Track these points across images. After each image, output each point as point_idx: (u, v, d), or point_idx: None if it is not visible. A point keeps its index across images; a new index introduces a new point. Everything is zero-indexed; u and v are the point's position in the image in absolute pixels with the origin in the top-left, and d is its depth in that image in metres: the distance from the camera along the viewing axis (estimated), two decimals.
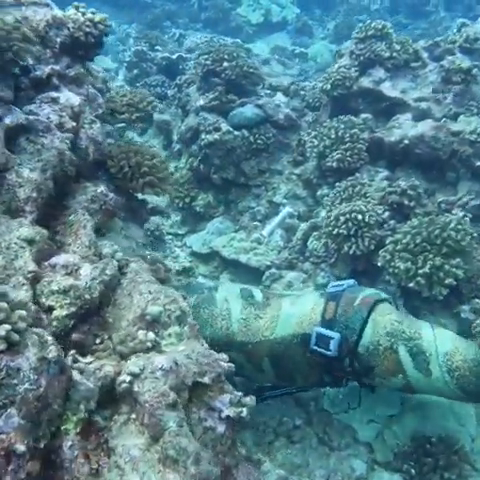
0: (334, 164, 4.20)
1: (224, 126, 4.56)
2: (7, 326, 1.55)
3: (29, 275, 2.03)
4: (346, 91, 4.47)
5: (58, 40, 2.79)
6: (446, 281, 3.48)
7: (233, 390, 2.17)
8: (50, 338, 1.69)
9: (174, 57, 5.99)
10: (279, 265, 4.35)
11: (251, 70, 4.81)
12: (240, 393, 2.21)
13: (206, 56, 4.82)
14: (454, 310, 3.66)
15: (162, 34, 7.69)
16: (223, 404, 2.06)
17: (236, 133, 4.60)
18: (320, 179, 4.42)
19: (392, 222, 3.85)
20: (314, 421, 3.56)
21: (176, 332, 2.12)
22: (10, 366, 1.53)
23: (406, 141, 4.01)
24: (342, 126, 4.26)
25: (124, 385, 1.82)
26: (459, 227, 3.54)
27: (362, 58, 4.49)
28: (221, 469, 2.02)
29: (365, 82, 4.45)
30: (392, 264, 3.58)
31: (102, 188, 2.62)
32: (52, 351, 1.65)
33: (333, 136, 4.25)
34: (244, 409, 2.08)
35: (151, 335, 2.06)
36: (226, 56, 4.79)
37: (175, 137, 5.20)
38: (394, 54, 4.49)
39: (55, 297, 2.02)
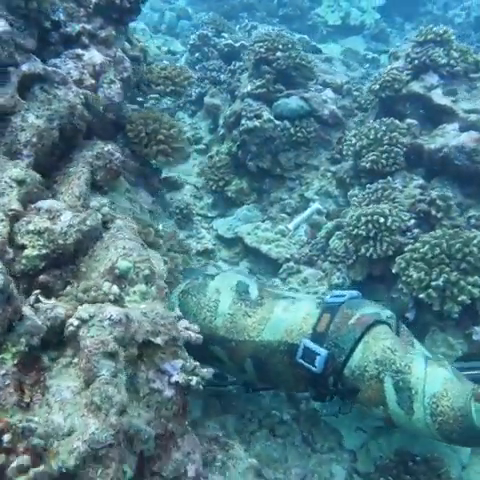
0: (368, 165, 4.08)
1: (266, 114, 4.54)
2: None
3: (10, 212, 2.10)
4: (394, 93, 4.34)
5: (93, 0, 2.86)
6: (459, 298, 3.32)
7: (189, 358, 2.15)
8: (1, 265, 1.73)
9: (237, 45, 6.01)
10: (298, 260, 4.29)
11: (303, 62, 4.75)
12: (197, 363, 2.19)
13: (261, 44, 4.80)
14: (466, 331, 3.48)
15: (236, 24, 7.75)
16: (174, 369, 2.05)
17: (277, 123, 4.56)
18: (353, 179, 4.32)
19: (416, 231, 3.70)
20: (302, 419, 3.48)
21: (141, 291, 2.12)
22: None
23: (445, 150, 3.85)
24: (383, 128, 4.14)
25: (71, 328, 1.85)
26: None
27: (417, 62, 4.34)
28: (161, 433, 2.02)
29: (415, 87, 4.29)
30: (406, 272, 3.45)
31: (110, 147, 2.67)
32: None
33: (372, 137, 4.14)
34: (194, 378, 2.07)
35: (115, 289, 2.07)
36: (280, 46, 4.75)
37: (221, 121, 5.22)
38: (451, 61, 4.31)
39: (29, 237, 2.07)
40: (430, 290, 3.35)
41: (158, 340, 1.99)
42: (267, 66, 4.71)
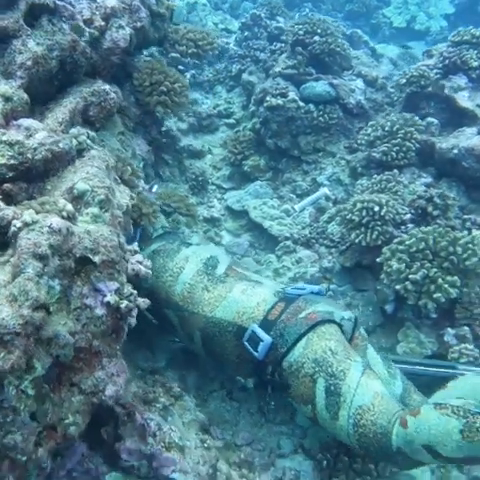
0: (378, 156, 4.08)
1: (291, 94, 4.59)
2: None
3: None
4: (419, 90, 4.30)
5: None
6: (435, 295, 3.30)
7: (128, 285, 2.27)
8: None
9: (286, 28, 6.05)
10: (296, 240, 4.34)
11: (338, 49, 4.77)
12: (134, 291, 2.30)
13: (300, 26, 4.85)
14: (441, 331, 3.47)
15: (297, 12, 7.78)
16: (108, 289, 2.17)
17: (301, 104, 4.60)
18: (364, 169, 4.33)
19: (411, 226, 3.69)
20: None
21: (94, 213, 2.25)
22: None
23: (455, 151, 3.80)
24: (401, 122, 4.12)
25: (13, 229, 1.99)
26: (469, 246, 3.33)
27: (447, 62, 4.29)
28: (85, 346, 2.14)
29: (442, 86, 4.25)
30: (389, 263, 3.46)
31: (107, 86, 2.81)
32: None
33: (387, 128, 4.13)
34: (125, 302, 2.18)
35: (69, 207, 2.21)
36: (319, 30, 4.78)
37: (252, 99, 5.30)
38: None
39: (1, 146, 2.23)
40: (407, 282, 3.35)
41: (96, 258, 2.10)
42: (301, 48, 4.74)
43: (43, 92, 2.67)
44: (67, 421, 2.10)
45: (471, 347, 3.30)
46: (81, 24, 2.67)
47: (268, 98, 4.60)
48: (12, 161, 2.23)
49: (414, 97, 4.41)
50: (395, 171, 3.97)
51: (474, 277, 3.41)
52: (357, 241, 3.69)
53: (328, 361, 2.65)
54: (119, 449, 2.69)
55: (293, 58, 4.73)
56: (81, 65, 2.74)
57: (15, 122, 2.38)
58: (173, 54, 3.83)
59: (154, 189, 3.61)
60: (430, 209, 3.63)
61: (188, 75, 5.78)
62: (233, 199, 4.82)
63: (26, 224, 1.99)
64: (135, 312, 2.27)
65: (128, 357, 3.26)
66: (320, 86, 4.67)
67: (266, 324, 2.86)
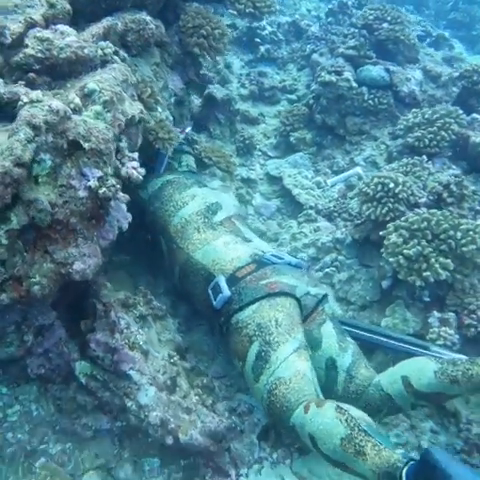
0: (410, 140, 4.14)
1: (347, 74, 4.71)
2: None
3: (29, 20, 2.62)
4: (470, 85, 4.29)
5: None
6: (424, 274, 3.36)
7: (113, 181, 2.52)
8: None
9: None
10: (319, 211, 4.48)
11: (402, 38, 4.83)
12: (118, 186, 2.57)
13: (372, 11, 4.96)
14: (428, 314, 3.51)
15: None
16: (92, 175, 2.46)
17: (354, 85, 4.71)
18: (399, 154, 4.38)
19: (424, 210, 3.73)
20: None
21: (97, 111, 2.54)
22: None
23: None
24: (443, 112, 4.15)
25: (20, 103, 2.32)
26: (470, 233, 3.35)
27: None
28: (61, 219, 2.43)
29: None
30: (389, 236, 3.54)
31: (149, 18, 3.10)
32: None
33: (426, 116, 4.17)
34: (105, 189, 2.46)
35: (77, 100, 2.52)
36: (389, 18, 4.87)
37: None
38: None
39: (33, 40, 2.59)
40: (400, 257, 3.42)
41: (86, 145, 2.40)
42: (367, 32, 4.85)
43: (90, 12, 3.00)
44: (33, 280, 2.41)
45: (451, 332, 3.32)
46: None
47: (323, 74, 4.75)
48: (39, 54, 2.57)
49: (466, 92, 4.40)
50: (423, 157, 4.00)
51: (471, 266, 3.42)
52: (367, 214, 3.78)
53: (270, 330, 2.83)
54: (90, 339, 3.00)
55: (357, 41, 4.84)
56: None
57: (53, 26, 2.72)
58: (231, 11, 4.07)
59: (187, 130, 3.89)
60: (445, 195, 3.66)
61: (262, 49, 6.03)
62: (273, 166, 5.01)
63: (31, 101, 2.32)
64: (115, 204, 2.54)
65: (133, 279, 3.59)
66: (376, 70, 4.76)
67: (232, 279, 3.05)
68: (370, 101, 4.73)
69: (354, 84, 4.71)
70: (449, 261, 3.32)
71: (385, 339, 3.32)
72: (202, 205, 3.44)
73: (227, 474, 3.12)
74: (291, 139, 5.07)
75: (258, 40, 5.98)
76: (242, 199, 4.68)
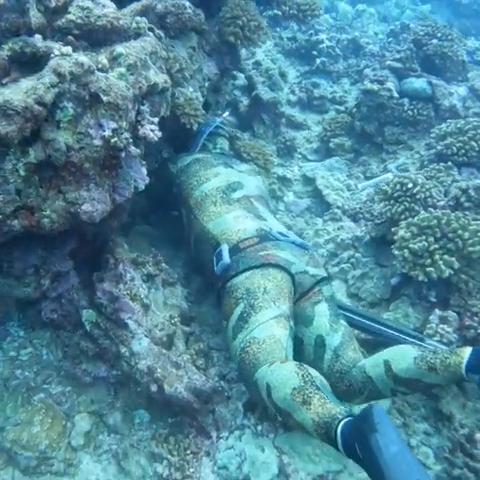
0: (439, 148, 4.19)
1: (389, 84, 4.83)
2: None
3: None
4: None
5: None
6: (427, 269, 3.40)
7: (127, 135, 2.77)
8: None
9: None
10: (345, 211, 4.58)
11: (450, 54, 4.89)
12: (131, 140, 2.81)
13: (423, 27, 5.07)
14: (430, 313, 3.53)
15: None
16: (108, 127, 2.72)
17: (395, 95, 4.82)
18: (430, 163, 4.43)
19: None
20: None
21: (121, 72, 2.82)
22: None
23: None
24: (475, 124, 4.18)
25: (51, 56, 2.62)
26: (479, 234, 3.37)
27: None
28: (77, 164, 2.70)
29: None
30: (399, 231, 3.60)
31: (188, 3, 3.39)
32: None
33: (459, 126, 4.21)
34: (116, 139, 2.72)
35: (105, 61, 2.80)
36: (439, 34, 4.96)
37: None
38: None
39: (75, 8, 2.89)
40: (406, 250, 3.48)
41: (105, 98, 2.67)
42: (416, 46, 4.96)
43: None
44: (44, 213, 2.68)
45: (449, 330, 3.33)
46: None
47: (365, 82, 4.89)
48: (79, 20, 2.89)
49: None
50: (449, 164, 4.05)
51: (478, 268, 3.42)
52: (383, 211, 3.86)
53: (256, 295, 2.99)
54: (97, 287, 3.25)
55: (403, 53, 4.95)
56: None
57: (96, 0, 3.05)
58: (276, 11, 4.31)
59: (225, 115, 4.15)
60: (463, 199, 3.69)
61: (318, 61, 6.24)
62: (309, 167, 5.17)
63: (62, 54, 2.62)
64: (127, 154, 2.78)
65: (152, 249, 3.79)
66: (418, 83, 4.85)
67: (234, 249, 3.25)
68: (409, 112, 4.81)
69: (395, 94, 4.81)
70: (454, 259, 3.34)
71: (382, 327, 3.37)
72: (223, 182, 3.67)
73: (209, 435, 3.26)
74: (331, 144, 5.21)
75: (315, 53, 6.20)
76: (274, 194, 4.85)
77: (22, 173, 2.56)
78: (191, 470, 3.11)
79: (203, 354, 3.44)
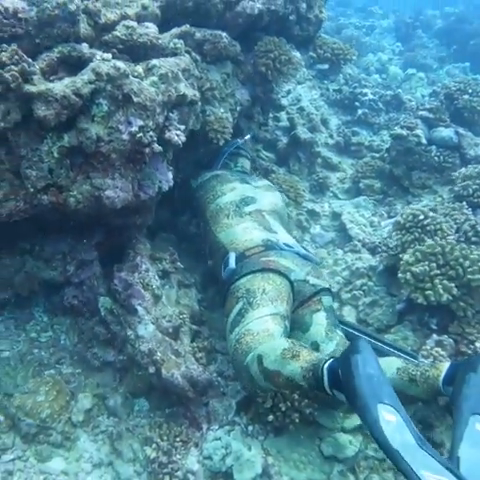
0: (457, 189, 4.35)
1: (419, 131, 5.07)
2: None
3: (123, 13, 3.43)
4: None
5: None
6: (426, 292, 3.52)
7: (152, 134, 3.12)
8: None
9: None
10: (365, 244, 4.75)
11: (478, 108, 5.11)
12: (155, 138, 3.16)
13: (456, 83, 5.34)
14: (428, 338, 3.61)
15: None
16: (136, 124, 3.09)
17: (423, 141, 5.04)
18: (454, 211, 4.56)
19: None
20: None
21: (154, 80, 3.22)
22: None
23: None
24: None
25: (94, 60, 3.05)
26: (479, 264, 3.48)
27: None
28: (105, 154, 3.06)
29: None
30: (404, 256, 3.75)
31: (224, 34, 3.80)
32: None
33: (477, 170, 4.37)
34: (141, 135, 3.07)
35: (140, 70, 3.21)
36: (470, 90, 5.21)
37: None
38: None
39: (121, 26, 3.36)
40: (408, 273, 3.61)
41: (135, 99, 3.05)
42: (448, 100, 5.22)
43: (177, 23, 3.77)
44: (71, 193, 3.04)
45: (442, 353, 3.40)
46: None
47: (396, 128, 5.15)
48: (123, 37, 3.34)
49: None
50: (463, 203, 4.19)
51: (477, 297, 3.50)
52: (395, 240, 4.02)
53: (255, 295, 3.21)
54: (115, 275, 3.55)
55: (434, 104, 5.22)
56: (211, 14, 3.79)
57: (142, 23, 3.51)
58: (311, 53, 4.69)
59: (246, 137, 4.49)
60: (470, 234, 3.81)
61: (360, 112, 6.57)
62: (338, 204, 5.41)
63: (102, 59, 3.05)
64: (150, 150, 3.12)
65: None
66: (446, 132, 5.07)
67: (240, 257, 3.51)
68: (436, 158, 5.00)
69: (424, 141, 5.03)
70: (453, 285, 3.45)
71: (376, 342, 3.47)
72: (238, 197, 3.96)
73: (200, 427, 3.40)
74: (360, 185, 5.44)
75: (357, 104, 6.54)
76: (300, 224, 5.09)
77: (56, 155, 2.94)
78: (178, 456, 3.24)
79: (206, 351, 3.62)
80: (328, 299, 3.47)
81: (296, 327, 3.35)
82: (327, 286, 3.50)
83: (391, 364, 2.91)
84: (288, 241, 3.70)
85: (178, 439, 3.32)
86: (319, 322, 3.34)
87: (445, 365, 2.77)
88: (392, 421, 2.21)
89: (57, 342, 3.78)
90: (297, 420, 3.23)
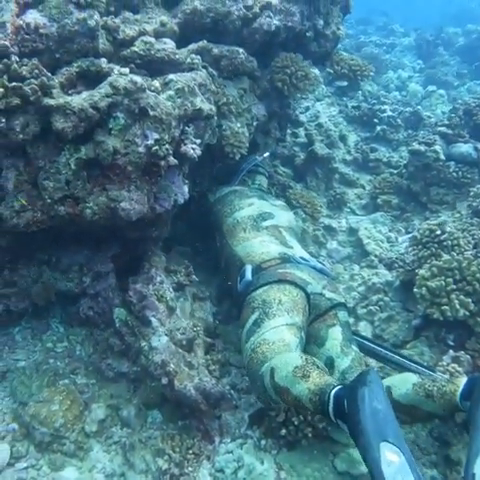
0: (475, 204, 4.31)
1: (437, 147, 5.05)
2: None
3: (142, 29, 3.51)
4: None
5: None
6: (443, 308, 3.48)
7: (168, 146, 3.16)
8: None
9: None
10: (382, 259, 4.73)
11: None
12: (171, 152, 3.20)
13: (475, 100, 5.33)
14: (444, 354, 3.56)
15: None
16: (152, 137, 3.15)
17: (441, 157, 5.02)
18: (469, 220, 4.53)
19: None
20: None
21: (170, 94, 3.27)
22: None
23: None
24: None
25: (112, 74, 3.12)
26: None
27: None
28: (122, 166, 3.12)
29: None
30: (420, 271, 3.72)
31: (241, 50, 3.86)
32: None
33: None
34: (157, 148, 3.12)
35: (157, 84, 3.27)
36: None
37: None
38: None
39: (140, 42, 3.44)
40: (423, 288, 3.58)
41: (151, 113, 3.10)
42: (467, 116, 5.20)
43: (195, 39, 3.83)
44: (87, 204, 3.09)
45: (459, 369, 3.35)
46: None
47: (414, 143, 5.15)
48: (141, 52, 3.41)
49: None
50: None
51: None
52: (412, 255, 4.00)
53: (271, 305, 3.21)
54: (130, 287, 3.59)
55: (452, 120, 5.21)
56: (229, 31, 3.85)
57: (160, 39, 3.58)
58: (328, 69, 4.72)
59: (265, 155, 4.53)
60: None
61: (378, 128, 6.58)
62: (355, 220, 5.40)
63: (120, 73, 3.12)
64: (166, 163, 3.16)
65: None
66: (465, 147, 5.05)
67: (257, 269, 3.52)
68: (454, 174, 4.98)
69: (441, 156, 5.01)
70: (470, 301, 3.41)
71: (394, 355, 3.45)
72: (256, 212, 4.00)
73: (212, 440, 3.39)
74: (378, 200, 5.43)
75: (376, 120, 6.55)
76: (317, 240, 5.09)
77: (73, 167, 3.01)
78: (190, 469, 3.23)
79: (219, 364, 3.62)
80: (344, 314, 3.45)
81: (312, 341, 3.34)
82: (343, 301, 3.48)
83: (407, 379, 2.88)
84: (304, 255, 3.69)
85: (190, 451, 3.31)
86: (335, 337, 3.32)
87: (462, 380, 2.72)
88: (394, 462, 2.12)
89: (72, 352, 3.82)
90: (310, 435, 3.20)
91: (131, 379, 3.61)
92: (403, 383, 2.83)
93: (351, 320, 4.29)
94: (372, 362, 3.66)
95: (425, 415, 2.84)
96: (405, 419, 2.89)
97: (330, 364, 3.20)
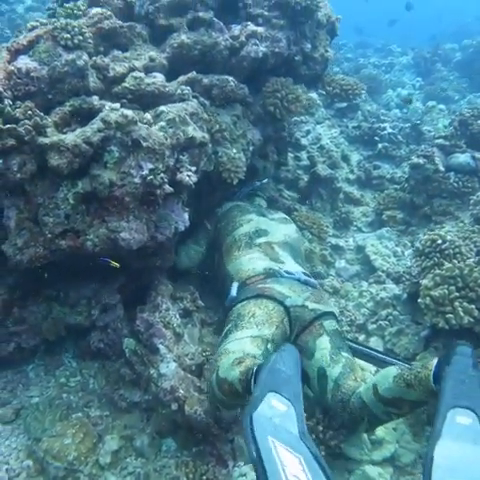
0: (475, 212, 4.31)
1: (436, 159, 5.09)
2: None
3: (131, 65, 3.64)
4: None
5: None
6: (447, 316, 3.47)
7: (163, 175, 3.25)
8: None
9: None
10: (389, 274, 4.73)
11: None
12: (166, 181, 3.28)
13: (469, 110, 5.38)
14: None
15: None
16: (146, 167, 3.23)
17: (440, 169, 5.05)
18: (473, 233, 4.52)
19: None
20: None
21: (161, 125, 3.37)
22: None
23: None
24: None
25: (104, 110, 3.24)
26: None
27: None
28: (119, 197, 3.20)
29: None
30: (424, 281, 3.71)
31: (231, 78, 3.96)
32: None
33: None
34: (152, 178, 3.20)
35: (149, 117, 3.38)
36: None
37: None
38: None
39: (130, 78, 3.56)
40: (427, 298, 3.57)
41: (144, 144, 3.21)
42: (462, 126, 5.24)
43: (185, 72, 3.95)
44: (88, 237, 3.17)
45: None
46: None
47: (413, 157, 5.19)
48: (132, 87, 3.53)
49: None
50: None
51: None
52: (415, 266, 4.00)
53: (244, 318, 3.31)
54: (137, 317, 3.64)
55: (449, 132, 5.25)
56: (217, 61, 3.97)
57: (150, 74, 3.70)
58: (320, 90, 4.80)
59: (264, 181, 4.62)
60: None
61: (380, 146, 6.63)
62: (361, 237, 5.42)
63: (111, 109, 3.23)
64: (162, 191, 3.24)
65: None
66: (463, 157, 5.08)
67: (242, 285, 3.66)
68: (455, 184, 4.99)
69: (441, 168, 5.04)
70: (473, 307, 3.39)
71: (386, 357, 3.46)
72: (252, 229, 4.10)
73: (226, 464, 3.38)
74: (383, 216, 5.45)
75: (377, 138, 6.62)
76: (324, 259, 5.10)
77: (71, 201, 3.10)
78: None
79: None
80: (331, 322, 3.44)
81: (302, 354, 3.33)
82: (328, 310, 3.49)
83: (388, 374, 2.83)
84: (292, 269, 3.73)
85: (204, 477, 3.29)
86: (323, 347, 3.30)
87: (433, 363, 2.68)
88: (280, 409, 2.18)
89: (86, 386, 3.85)
90: (323, 453, 3.17)
91: (143, 408, 3.62)
92: (385, 378, 2.81)
93: (362, 337, 4.30)
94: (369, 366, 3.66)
95: (412, 405, 2.78)
96: (395, 413, 2.86)
97: (323, 374, 3.18)
